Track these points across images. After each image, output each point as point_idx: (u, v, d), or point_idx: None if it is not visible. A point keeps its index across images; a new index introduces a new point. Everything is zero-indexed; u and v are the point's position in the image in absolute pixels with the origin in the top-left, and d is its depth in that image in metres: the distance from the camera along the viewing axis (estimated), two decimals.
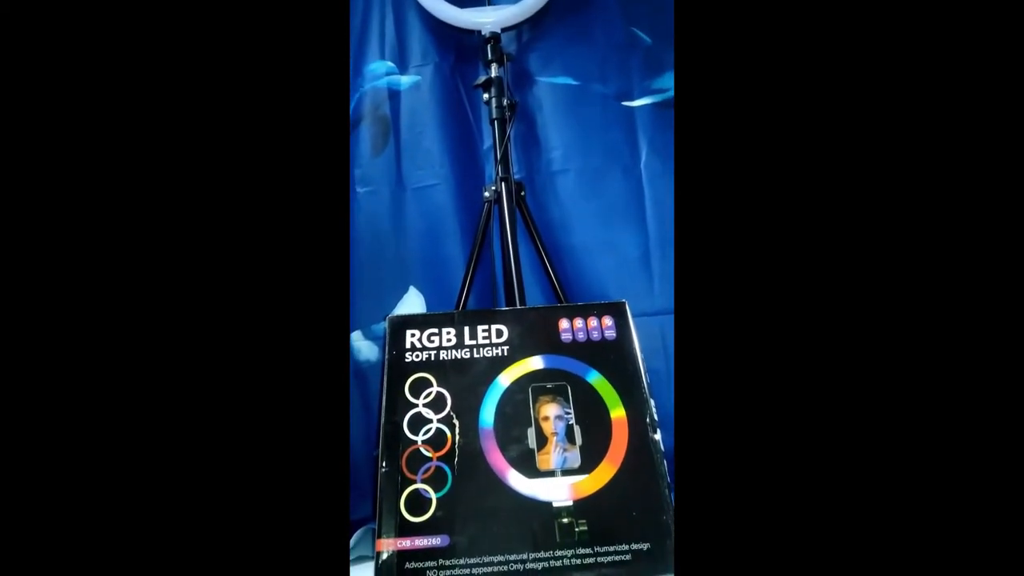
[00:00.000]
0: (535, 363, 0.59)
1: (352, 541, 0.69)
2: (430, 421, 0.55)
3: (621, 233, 0.89)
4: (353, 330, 0.89)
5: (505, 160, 0.85)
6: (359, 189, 0.93)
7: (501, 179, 0.84)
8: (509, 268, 0.82)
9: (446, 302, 0.86)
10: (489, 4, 0.93)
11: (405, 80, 0.95)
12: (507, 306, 0.83)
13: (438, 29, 0.94)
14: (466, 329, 0.61)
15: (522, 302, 0.80)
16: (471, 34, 0.92)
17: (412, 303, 0.90)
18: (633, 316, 0.62)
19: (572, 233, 0.90)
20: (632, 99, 0.93)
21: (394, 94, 0.95)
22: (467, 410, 0.55)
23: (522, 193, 0.86)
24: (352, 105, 0.95)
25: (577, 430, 0.55)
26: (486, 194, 0.86)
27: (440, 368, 0.58)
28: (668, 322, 0.84)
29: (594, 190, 0.90)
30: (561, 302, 0.83)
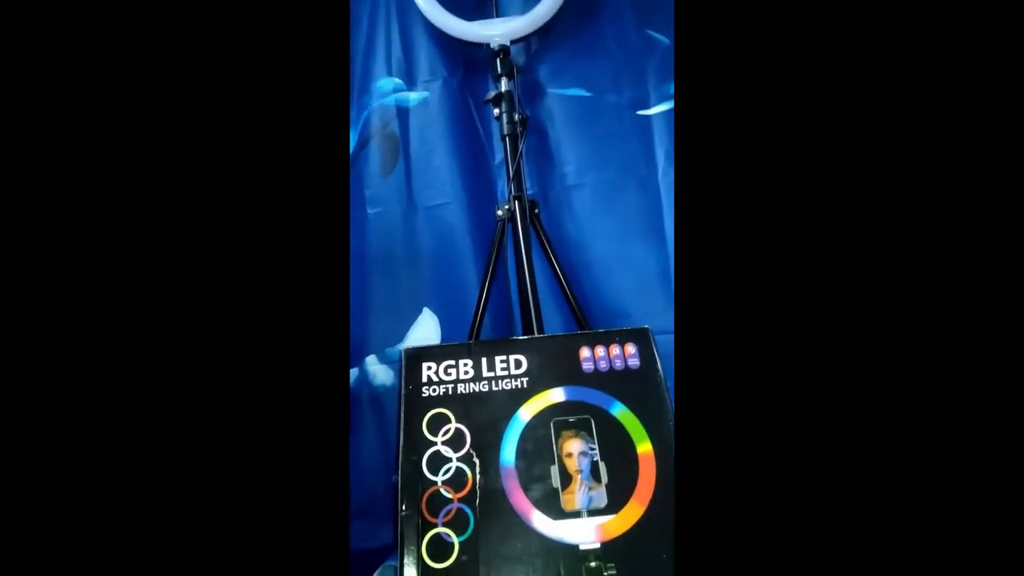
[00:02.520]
0: (556, 395, 0.58)
1: None
2: (449, 460, 0.54)
3: (639, 249, 0.88)
4: (367, 354, 0.89)
5: (518, 177, 0.84)
6: (369, 210, 0.93)
7: (514, 197, 0.83)
8: (525, 288, 0.81)
9: (461, 324, 0.86)
10: (497, 16, 0.92)
11: (413, 97, 0.95)
12: (523, 328, 0.82)
13: (445, 43, 0.94)
14: (483, 360, 0.60)
15: (539, 324, 0.79)
16: (479, 47, 0.92)
17: (426, 326, 0.89)
18: (654, 334, 0.61)
19: (589, 250, 0.89)
20: (648, 107, 0.91)
21: (403, 111, 0.95)
22: (487, 447, 0.55)
23: (536, 210, 0.85)
24: (360, 124, 0.95)
25: (603, 467, 0.54)
26: (499, 212, 0.85)
27: (458, 402, 0.58)
28: None
29: (610, 205, 0.89)
30: (580, 322, 0.82)
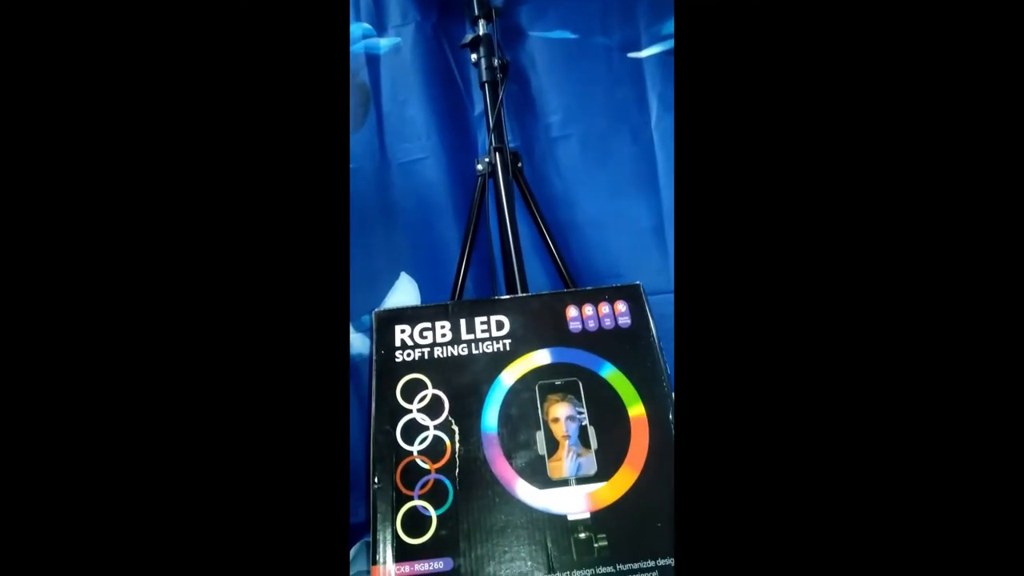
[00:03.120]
0: (541, 357, 0.54)
1: (351, 554, 0.65)
2: (426, 428, 0.50)
3: (632, 203, 0.83)
4: None
5: (498, 128, 0.78)
6: None
7: (495, 149, 0.77)
8: (508, 249, 0.76)
9: (441, 288, 0.81)
10: None
11: (384, 43, 0.88)
12: (507, 290, 0.78)
13: None
14: (462, 322, 0.56)
15: (523, 285, 0.75)
16: None
17: (405, 291, 0.85)
18: (648, 295, 0.57)
19: (576, 206, 0.84)
20: (639, 49, 0.85)
21: (372, 59, 0.88)
22: (467, 414, 0.51)
23: (519, 164, 0.80)
24: None
25: (592, 432, 0.50)
26: (479, 167, 0.79)
27: (435, 367, 0.53)
28: None
29: (600, 157, 0.84)
30: (567, 284, 0.78)
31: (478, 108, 0.88)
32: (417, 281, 0.85)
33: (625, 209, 0.83)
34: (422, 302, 0.85)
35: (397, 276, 0.85)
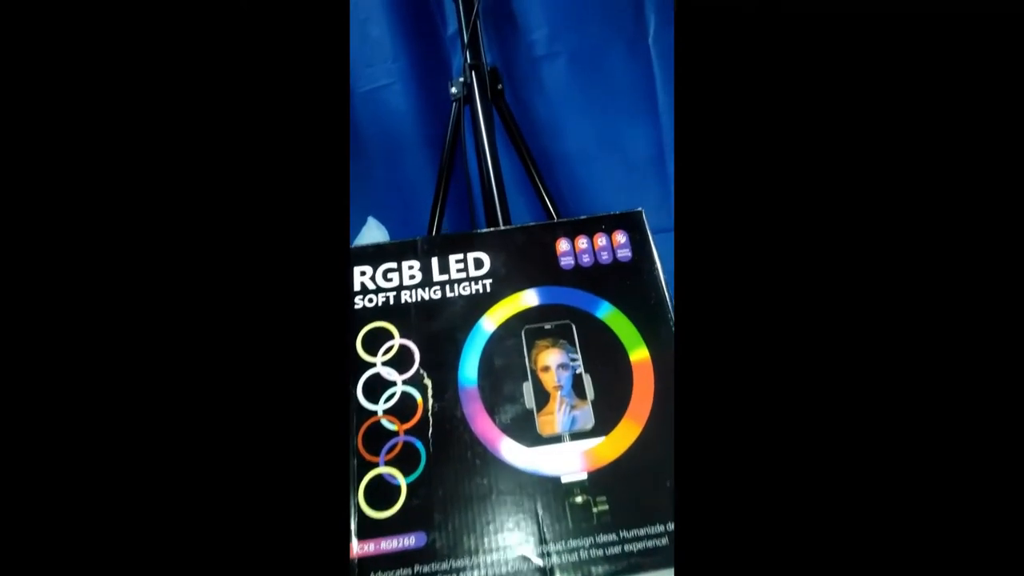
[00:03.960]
0: (528, 299, 0.47)
1: None
2: (393, 384, 0.43)
3: (627, 129, 0.74)
4: None
5: (475, 42, 0.68)
6: None
7: (470, 67, 0.67)
8: (488, 184, 0.68)
9: (414, 232, 0.72)
10: None
11: None
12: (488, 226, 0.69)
13: None
14: (434, 261, 0.48)
15: (506, 223, 0.66)
16: None
17: (372, 237, 0.76)
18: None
19: (564, 134, 0.75)
20: None
21: None
22: (442, 365, 0.44)
23: (499, 86, 0.70)
24: None
25: (587, 380, 0.43)
26: (453, 90, 0.70)
27: (403, 314, 0.46)
28: None
29: (591, 77, 0.74)
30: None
31: (452, 27, 0.77)
32: (386, 224, 0.76)
33: (620, 136, 0.75)
34: None
35: (363, 221, 0.76)
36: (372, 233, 0.76)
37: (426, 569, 0.37)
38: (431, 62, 0.77)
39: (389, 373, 0.43)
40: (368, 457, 0.40)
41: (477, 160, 0.70)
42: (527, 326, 0.45)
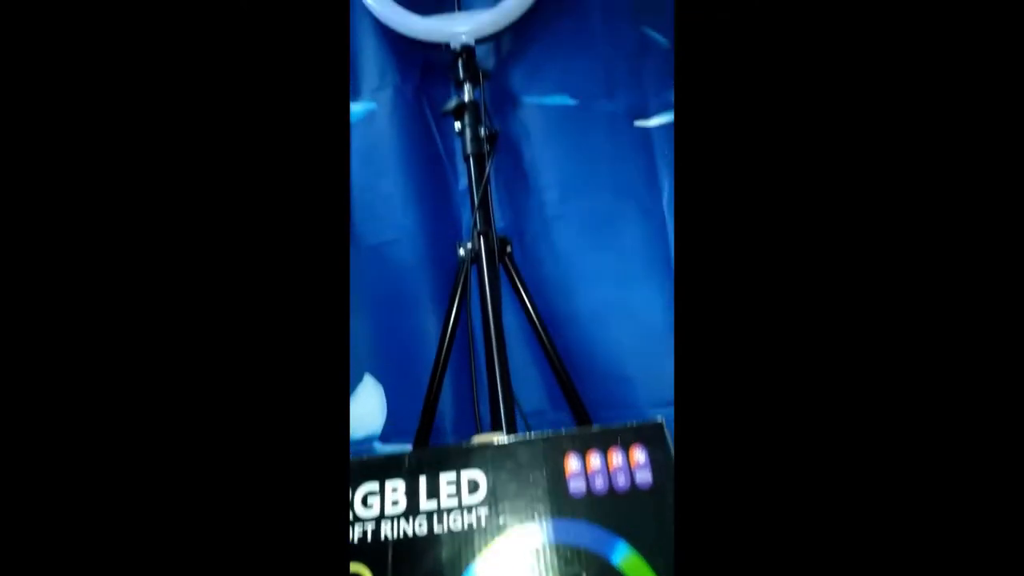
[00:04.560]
0: (531, 536, 0.39)
1: None
2: None
3: (640, 293, 0.70)
4: None
5: (484, 207, 0.67)
6: None
7: (479, 233, 0.65)
8: (492, 352, 0.63)
9: (412, 396, 0.67)
10: (459, 9, 0.76)
11: (357, 109, 0.78)
12: (491, 401, 0.63)
13: (398, 43, 0.78)
14: (422, 481, 0.41)
15: (507, 396, 0.60)
16: (438, 48, 0.76)
17: (367, 398, 0.70)
18: (660, 405, 0.44)
19: (576, 296, 0.72)
20: (647, 116, 0.75)
21: None
22: None
23: (508, 249, 0.68)
24: None
25: None
26: (461, 252, 0.67)
27: (379, 556, 0.38)
28: None
29: (603, 238, 0.72)
30: (567, 394, 0.64)
31: (463, 182, 0.77)
32: (383, 384, 0.71)
33: (632, 300, 0.71)
34: (388, 411, 0.71)
35: (360, 378, 0.71)
36: (367, 392, 0.71)
37: None
38: (440, 218, 0.76)
39: None
40: None
41: (482, 325, 0.66)
42: None
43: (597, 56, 0.76)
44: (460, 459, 0.42)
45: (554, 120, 0.76)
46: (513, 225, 0.75)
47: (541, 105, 0.77)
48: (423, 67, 0.80)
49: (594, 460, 0.43)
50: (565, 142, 0.75)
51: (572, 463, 0.42)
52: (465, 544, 0.39)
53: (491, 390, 0.64)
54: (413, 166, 0.77)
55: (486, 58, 0.78)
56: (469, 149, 0.69)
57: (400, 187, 0.76)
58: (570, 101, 0.76)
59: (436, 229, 0.75)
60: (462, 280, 0.67)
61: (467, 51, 0.71)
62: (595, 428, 0.45)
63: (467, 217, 0.75)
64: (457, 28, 0.72)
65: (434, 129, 0.79)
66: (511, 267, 0.68)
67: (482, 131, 0.69)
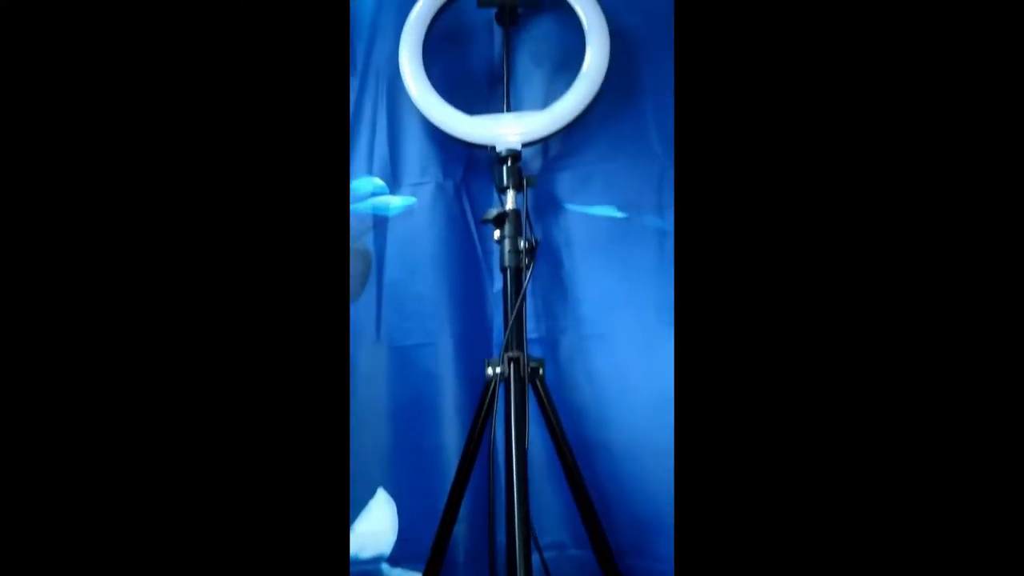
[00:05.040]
0: None
1: None
2: None
3: None
4: None
5: (518, 329, 0.63)
6: None
7: (511, 359, 0.61)
8: (511, 479, 0.58)
9: (425, 516, 0.63)
10: (508, 110, 0.74)
11: (396, 203, 0.77)
12: (507, 534, 0.58)
13: (443, 139, 0.76)
14: None
15: (525, 534, 0.55)
16: (484, 146, 0.74)
17: (379, 513, 0.67)
18: None
19: (609, 425, 0.67)
20: None
21: (380, 221, 0.76)
22: None
23: (540, 372, 0.64)
24: None
25: None
26: (489, 371, 0.63)
27: None
28: None
29: (644, 363, 0.67)
30: (594, 539, 0.58)
31: (498, 283, 0.74)
32: (396, 499, 0.67)
33: (667, 435, 0.65)
34: (399, 528, 0.67)
35: (372, 492, 0.68)
36: (379, 508, 0.67)
37: None
38: (473, 323, 0.73)
39: None
40: None
41: (505, 449, 0.62)
42: None
43: (650, 169, 0.71)
44: None
45: (600, 231, 0.72)
46: (547, 337, 0.71)
47: (586, 215, 0.73)
48: (467, 162, 0.78)
49: None
50: (608, 256, 0.71)
51: None
52: None
53: (507, 521, 0.59)
54: (448, 266, 0.74)
55: (532, 158, 0.76)
56: (507, 262, 0.65)
57: (433, 288, 0.73)
58: (617, 213, 0.72)
59: (467, 336, 0.72)
60: (488, 400, 0.63)
61: (513, 156, 0.69)
62: None
63: (499, 321, 0.71)
64: (504, 131, 0.70)
65: (473, 227, 0.76)
66: (541, 390, 0.64)
67: (522, 243, 0.65)
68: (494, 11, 0.74)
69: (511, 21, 0.73)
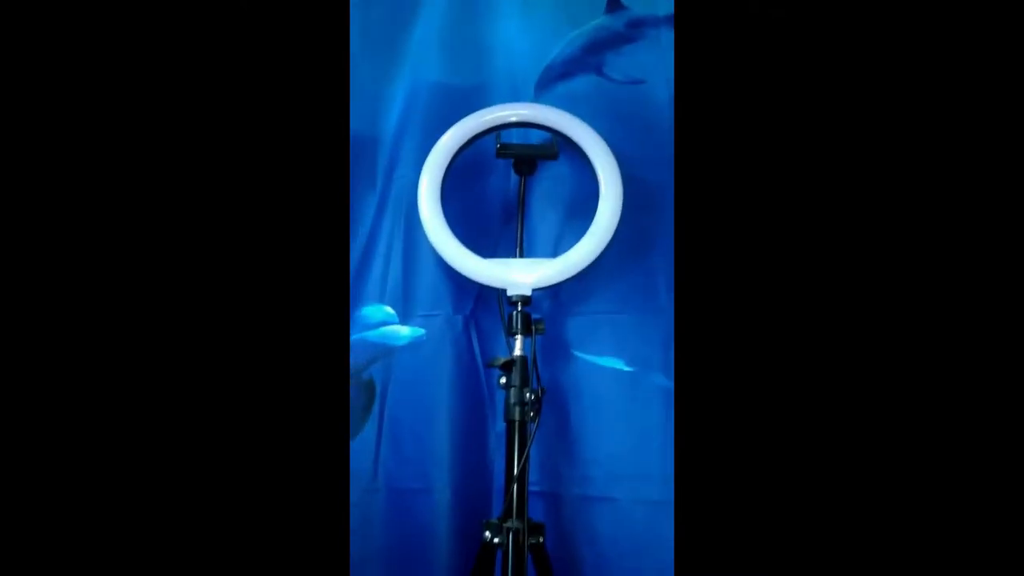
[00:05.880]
0: None
1: None
2: None
3: None
4: None
5: (520, 493, 0.60)
6: None
7: (507, 530, 0.59)
8: None
9: None
10: (520, 255, 0.75)
11: (405, 333, 0.76)
12: None
13: (457, 273, 0.76)
14: None
15: None
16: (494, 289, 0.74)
17: None
18: None
19: None
20: None
21: (387, 351, 0.76)
22: None
23: (540, 540, 0.61)
24: None
25: None
26: (487, 534, 0.60)
27: None
28: None
29: (653, 536, 0.64)
30: None
31: (500, 423, 0.72)
32: None
33: None
34: None
35: None
36: None
37: None
38: (472, 470, 0.71)
39: None
40: None
41: None
42: None
43: (659, 325, 0.71)
44: None
45: (606, 385, 0.71)
46: (548, 493, 0.68)
47: (593, 365, 0.72)
48: (478, 295, 0.78)
49: None
50: (616, 411, 0.70)
51: None
52: None
53: None
54: (454, 405, 0.73)
55: (542, 300, 0.76)
56: (512, 414, 0.64)
57: (436, 427, 0.71)
58: (625, 367, 0.71)
59: (466, 483, 0.70)
60: (485, 563, 0.60)
61: (523, 301, 0.69)
62: None
63: (499, 465, 0.69)
64: (516, 277, 0.70)
65: (479, 363, 0.76)
66: (541, 558, 0.61)
67: (527, 395, 0.64)
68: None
69: (529, 171, 0.75)
